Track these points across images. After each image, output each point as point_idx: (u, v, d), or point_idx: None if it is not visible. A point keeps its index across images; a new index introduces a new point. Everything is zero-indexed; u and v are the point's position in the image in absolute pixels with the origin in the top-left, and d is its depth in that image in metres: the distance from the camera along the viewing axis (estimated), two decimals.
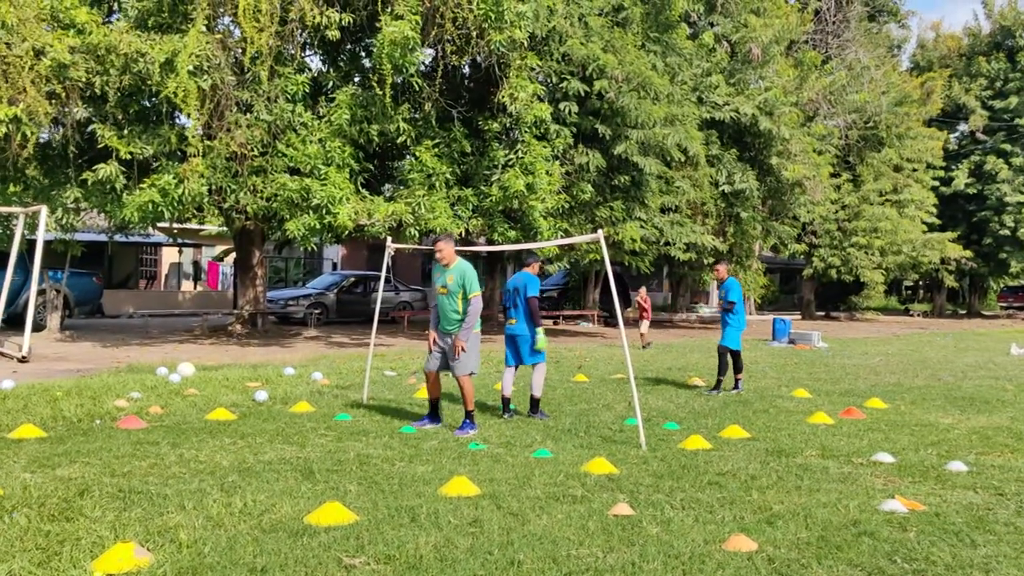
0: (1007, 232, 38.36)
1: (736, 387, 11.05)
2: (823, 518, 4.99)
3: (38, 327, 17.11)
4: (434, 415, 8.01)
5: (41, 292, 17.56)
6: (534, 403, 8.59)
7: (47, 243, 14.93)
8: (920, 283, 50.18)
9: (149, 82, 14.25)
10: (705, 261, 25.80)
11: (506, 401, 8.66)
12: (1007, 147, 39.09)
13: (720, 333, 11.24)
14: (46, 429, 7.30)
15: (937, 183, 37.12)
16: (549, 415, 8.59)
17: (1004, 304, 49.61)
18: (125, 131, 14.80)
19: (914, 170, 35.07)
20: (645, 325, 19.13)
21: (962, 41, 43.04)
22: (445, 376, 8.14)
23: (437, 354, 7.82)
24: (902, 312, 45.44)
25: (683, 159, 21.71)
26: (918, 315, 42.07)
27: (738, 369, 11.13)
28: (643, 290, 20.06)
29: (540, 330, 8.44)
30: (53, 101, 14.10)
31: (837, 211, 32.84)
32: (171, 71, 14.12)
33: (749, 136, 25.16)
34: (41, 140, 15.12)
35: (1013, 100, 39.57)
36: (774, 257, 39.23)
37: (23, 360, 12.65)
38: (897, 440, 7.63)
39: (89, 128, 15.02)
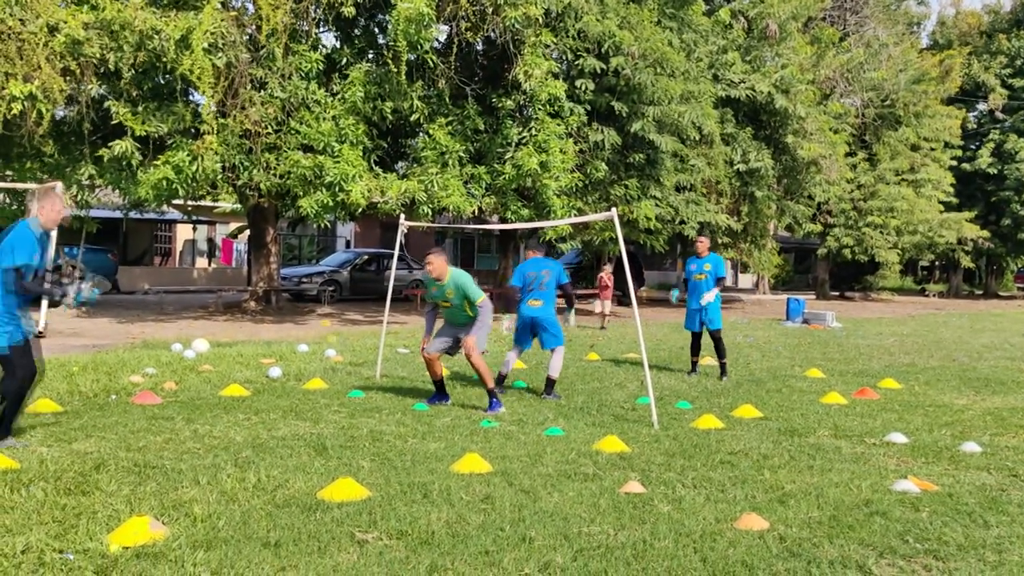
0: None
1: (693, 370, 10.65)
2: (835, 497, 4.98)
3: (54, 303, 17.22)
4: (441, 393, 8.03)
5: (56, 268, 17.69)
6: (550, 384, 8.54)
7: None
8: (936, 263, 49.81)
9: (164, 59, 14.24)
10: (720, 241, 25.68)
11: (501, 377, 8.67)
12: None
13: (693, 316, 10.48)
14: (62, 404, 7.37)
15: (955, 162, 36.73)
16: (561, 396, 8.58)
17: (1021, 285, 49.30)
18: (139, 108, 14.82)
19: (931, 149, 34.70)
20: (607, 305, 17.91)
21: (982, 18, 42.47)
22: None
23: (439, 339, 7.86)
24: (918, 292, 45.18)
25: (698, 137, 21.56)
26: (934, 295, 41.82)
27: (696, 351, 10.70)
28: (607, 268, 19.54)
29: (573, 312, 8.57)
30: (68, 78, 14.11)
31: (852, 190, 32.59)
32: (186, 48, 14.11)
33: (765, 114, 24.95)
34: (56, 117, 15.15)
35: None
36: (788, 236, 39.01)
37: (40, 336, 12.71)
38: (911, 420, 7.60)
39: (104, 105, 15.04)
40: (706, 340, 10.66)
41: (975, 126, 40.75)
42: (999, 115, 39.12)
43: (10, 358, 5.68)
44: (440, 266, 7.56)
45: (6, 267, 5.59)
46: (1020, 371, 11.47)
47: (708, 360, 11.92)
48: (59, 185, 6.26)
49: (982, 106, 40.61)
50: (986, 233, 36.67)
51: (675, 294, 11.30)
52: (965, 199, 38.03)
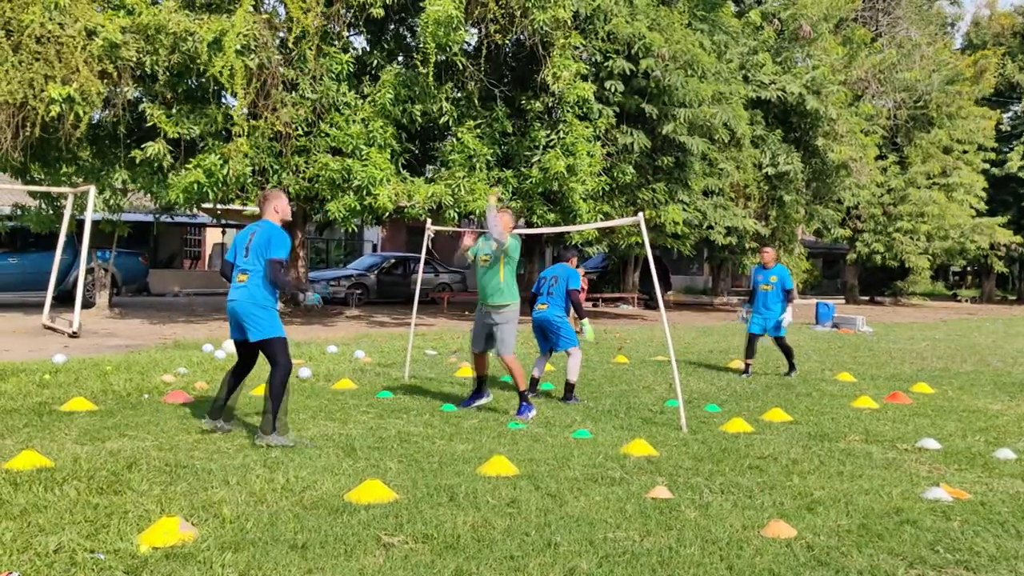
0: None
1: (746, 371, 10.89)
2: (864, 505, 4.93)
3: (87, 304, 17.51)
4: (480, 391, 7.94)
5: (89, 271, 17.94)
6: (569, 388, 8.45)
7: (95, 223, 15.24)
8: (968, 269, 49.09)
9: (197, 61, 14.41)
10: (747, 245, 25.50)
11: (534, 381, 8.66)
12: None
13: (757, 322, 10.84)
14: (96, 402, 7.47)
15: (988, 165, 36.18)
16: (583, 400, 8.50)
17: None
18: (173, 111, 15.01)
19: (964, 152, 34.21)
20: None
21: (1016, 19, 41.84)
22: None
23: (481, 335, 7.75)
24: (949, 298, 44.56)
25: (728, 139, 21.44)
26: (966, 301, 41.22)
27: (751, 354, 10.94)
28: (580, 270, 19.33)
29: (586, 321, 8.41)
30: (105, 80, 14.33)
31: (882, 195, 32.21)
32: (218, 50, 14.27)
33: (795, 116, 24.75)
34: (92, 120, 15.38)
35: None
36: (816, 241, 38.65)
37: (74, 336, 12.96)
38: (944, 426, 7.50)
39: (139, 108, 15.25)
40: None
41: (1008, 128, 40.11)
42: None
43: (279, 347, 6.12)
44: (505, 223, 7.45)
45: (275, 259, 6.03)
46: None
47: (736, 363, 11.84)
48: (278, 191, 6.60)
49: (1016, 108, 39.98)
50: (1019, 238, 36.08)
51: (743, 311, 11.42)
52: (998, 203, 37.43)
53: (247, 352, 6.44)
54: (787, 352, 10.96)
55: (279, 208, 6.29)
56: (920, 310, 31.74)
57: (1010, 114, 40.84)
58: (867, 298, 37.27)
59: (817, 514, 4.74)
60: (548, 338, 8.59)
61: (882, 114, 31.09)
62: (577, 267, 8.90)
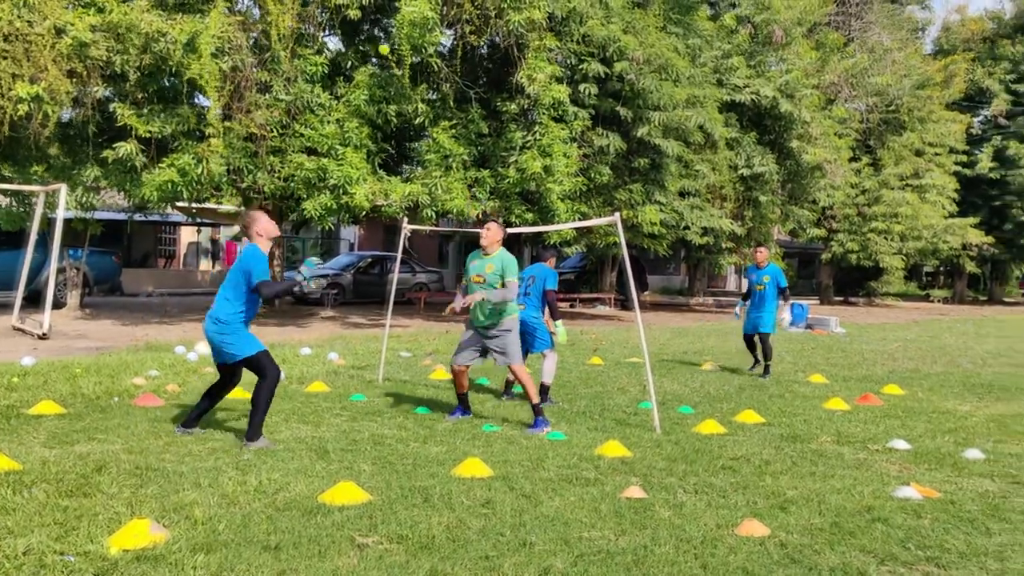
0: None
1: (756, 362, 11.43)
2: (836, 504, 4.97)
3: (58, 305, 17.29)
4: (464, 408, 7.56)
5: (60, 270, 17.73)
6: (544, 390, 8.28)
7: (67, 221, 15.06)
8: (940, 269, 49.72)
9: (170, 62, 14.27)
10: (723, 245, 25.66)
11: (508, 384, 8.63)
12: None
13: (751, 320, 11.30)
14: (65, 406, 7.37)
15: (959, 168, 36.69)
16: (557, 401, 8.47)
17: None
18: (144, 110, 14.86)
19: (936, 154, 34.67)
20: None
21: (986, 24, 42.43)
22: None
23: (469, 349, 7.29)
24: (922, 298, 45.08)
25: (703, 142, 21.56)
26: (938, 301, 41.72)
27: (752, 348, 11.48)
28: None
29: (560, 323, 8.23)
30: (74, 80, 14.16)
31: (856, 196, 32.55)
32: (192, 52, 14.14)
33: (769, 119, 24.95)
34: (62, 119, 15.20)
35: None
36: (791, 241, 38.97)
37: (43, 337, 12.79)
38: (913, 427, 7.59)
39: (109, 107, 15.09)
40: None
41: (979, 132, 40.69)
42: (1002, 121, 39.05)
43: (261, 360, 6.15)
44: (495, 235, 7.12)
45: (258, 281, 6.01)
46: None
47: (708, 364, 11.92)
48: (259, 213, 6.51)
49: (986, 112, 40.55)
50: (990, 239, 36.58)
51: (738, 308, 11.78)
52: (969, 204, 37.96)
53: (227, 371, 6.40)
54: (767, 353, 11.13)
55: (261, 231, 6.17)
56: (893, 310, 32.09)
57: (980, 118, 41.42)
58: (841, 298, 37.63)
59: (790, 513, 4.78)
60: (524, 339, 8.20)
61: (855, 117, 31.41)
62: (556, 268, 8.80)
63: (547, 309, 8.43)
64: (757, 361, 11.42)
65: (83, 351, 11.48)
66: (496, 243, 7.15)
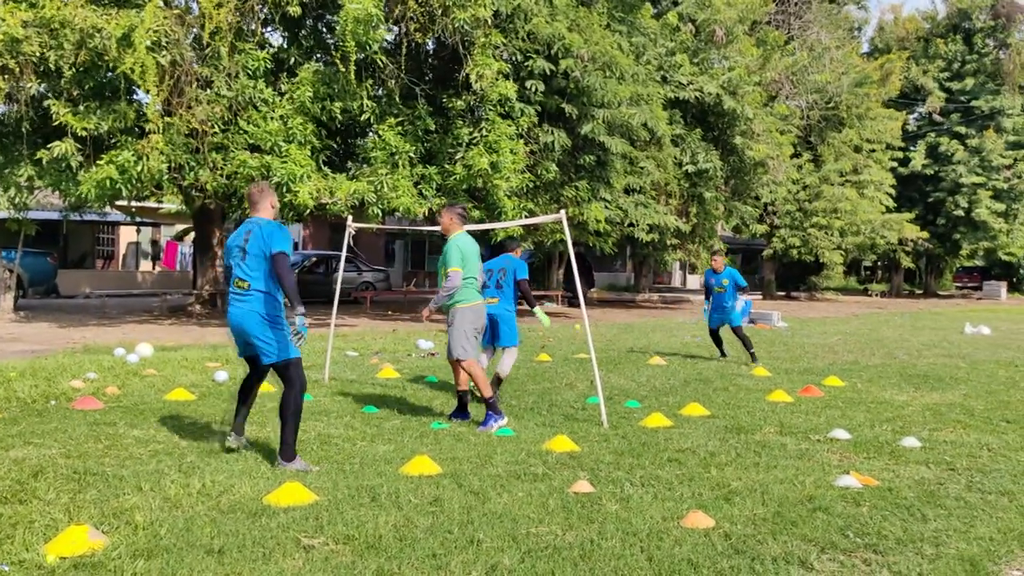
0: (961, 213, 39.07)
1: (723, 355, 12.42)
2: (779, 494, 5.06)
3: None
4: (461, 409, 7.39)
5: None
6: (497, 381, 8.26)
7: None
8: (878, 263, 50.99)
9: (105, 57, 13.93)
10: (668, 242, 25.93)
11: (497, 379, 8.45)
12: (962, 129, 39.76)
13: (716, 318, 12.34)
14: None
15: (895, 164, 37.65)
16: (507, 397, 8.45)
17: (959, 284, 50.66)
18: (80, 107, 14.48)
19: (872, 151, 35.52)
20: None
21: (920, 24, 43.59)
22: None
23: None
24: (861, 292, 46.15)
25: (648, 139, 21.75)
26: (877, 295, 42.75)
27: (719, 343, 12.51)
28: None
29: (539, 309, 8.16)
30: (6, 76, 13.75)
31: (798, 191, 33.20)
32: (128, 46, 13.81)
33: (713, 116, 25.27)
34: None
35: (969, 82, 40.23)
36: (735, 237, 39.59)
37: None
38: (853, 417, 7.76)
39: (43, 104, 14.68)
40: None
41: (914, 129, 41.81)
42: (936, 117, 40.17)
43: (295, 366, 5.66)
44: (447, 222, 7.05)
45: (279, 251, 5.46)
46: (958, 368, 11.78)
47: (656, 360, 12.05)
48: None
49: (921, 109, 41.68)
50: (925, 234, 37.63)
51: (706, 306, 12.60)
52: (905, 200, 38.99)
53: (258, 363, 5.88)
54: (745, 342, 12.07)
55: (275, 203, 5.81)
56: (833, 304, 32.79)
57: (915, 115, 42.56)
58: (783, 293, 38.33)
59: (734, 504, 4.85)
60: (494, 331, 8.12)
61: (796, 114, 32.01)
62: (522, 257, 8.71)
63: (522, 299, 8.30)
64: (723, 354, 12.39)
65: (18, 354, 11.16)
66: (447, 230, 7.09)
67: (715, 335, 12.45)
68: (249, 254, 5.53)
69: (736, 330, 12.14)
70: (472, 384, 7.22)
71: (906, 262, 40.15)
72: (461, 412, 7.37)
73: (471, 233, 7.44)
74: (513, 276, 8.18)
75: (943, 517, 4.69)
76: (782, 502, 4.90)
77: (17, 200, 16.07)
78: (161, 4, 14.58)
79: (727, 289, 12.12)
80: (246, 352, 5.83)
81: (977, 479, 5.53)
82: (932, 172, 39.63)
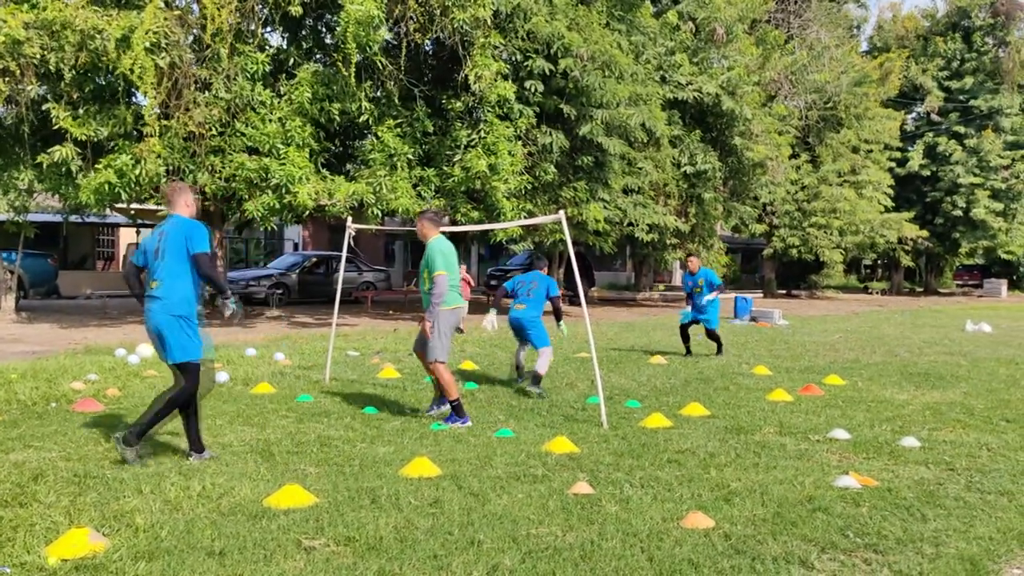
0: (959, 212, 39.06)
1: (719, 352, 12.82)
2: (779, 495, 5.07)
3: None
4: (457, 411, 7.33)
5: None
6: (536, 378, 8.82)
7: None
8: (879, 262, 50.98)
9: (104, 59, 13.93)
10: (668, 241, 25.93)
11: (519, 368, 9.59)
12: (961, 129, 39.75)
13: (692, 315, 12.76)
14: None
15: (893, 164, 37.63)
16: (547, 396, 8.63)
17: (959, 282, 50.69)
18: (80, 111, 14.48)
19: (870, 151, 35.50)
20: None
21: (919, 22, 43.55)
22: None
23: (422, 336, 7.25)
24: (862, 290, 46.13)
25: (646, 140, 21.74)
26: (877, 293, 42.74)
27: (685, 339, 12.91)
28: (462, 268, 19.46)
29: (563, 323, 9.20)
30: (7, 78, 13.75)
31: (796, 192, 33.18)
32: (127, 48, 13.82)
33: (711, 116, 25.25)
34: None
35: (968, 80, 40.19)
36: (734, 237, 39.58)
37: None
38: (853, 416, 7.76)
39: (44, 107, 14.68)
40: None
41: (912, 128, 41.80)
42: (935, 117, 40.15)
43: (194, 371, 5.63)
44: (422, 228, 7.19)
45: (201, 252, 5.51)
46: (958, 366, 11.78)
47: (657, 359, 12.05)
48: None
49: (919, 108, 41.65)
50: (924, 233, 37.62)
51: (688, 307, 12.94)
52: (904, 200, 38.97)
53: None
54: (719, 347, 12.78)
55: (189, 202, 5.76)
56: (834, 302, 32.78)
57: (913, 115, 42.53)
58: (784, 291, 38.34)
59: (734, 505, 4.85)
60: (524, 336, 9.24)
61: (794, 114, 32.00)
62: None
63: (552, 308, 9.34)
64: (689, 351, 12.76)
65: (19, 356, 11.17)
66: (425, 236, 7.23)
67: (684, 331, 12.85)
68: (166, 253, 5.52)
69: (710, 332, 12.69)
70: (433, 379, 7.50)
71: (906, 260, 40.14)
72: (441, 401, 7.54)
73: (448, 235, 7.74)
74: (546, 292, 9.20)
75: (943, 517, 4.70)
76: (782, 502, 4.90)
77: (17, 203, 16.08)
78: (162, 5, 14.57)
79: (704, 289, 12.56)
80: (162, 354, 5.72)
81: (976, 479, 5.54)
82: (930, 172, 39.60)
